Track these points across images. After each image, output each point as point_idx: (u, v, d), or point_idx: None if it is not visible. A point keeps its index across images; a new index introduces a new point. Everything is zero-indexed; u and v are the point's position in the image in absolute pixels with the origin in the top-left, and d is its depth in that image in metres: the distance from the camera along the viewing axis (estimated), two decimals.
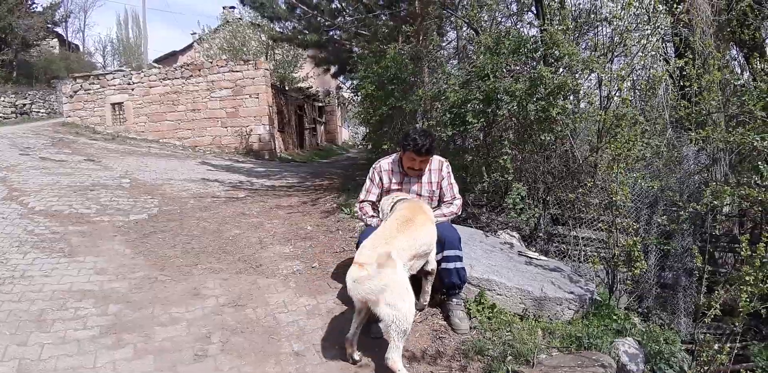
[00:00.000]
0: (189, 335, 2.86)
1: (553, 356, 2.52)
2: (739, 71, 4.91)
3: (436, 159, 3.24)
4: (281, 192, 7.70)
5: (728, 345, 2.75)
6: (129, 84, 15.45)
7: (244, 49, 18.72)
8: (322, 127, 24.63)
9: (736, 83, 4.13)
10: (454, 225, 3.13)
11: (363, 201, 3.29)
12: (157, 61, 23.17)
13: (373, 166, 3.33)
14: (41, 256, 4.03)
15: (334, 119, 26.34)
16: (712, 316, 2.80)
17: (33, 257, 3.97)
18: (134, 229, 4.99)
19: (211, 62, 15.31)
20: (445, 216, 3.12)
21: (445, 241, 2.90)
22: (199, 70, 15.01)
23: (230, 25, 19.79)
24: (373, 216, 3.16)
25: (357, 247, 2.97)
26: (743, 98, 3.06)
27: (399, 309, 2.26)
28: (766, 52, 4.88)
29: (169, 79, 15.16)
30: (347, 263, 3.94)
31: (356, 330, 2.57)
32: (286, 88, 18.80)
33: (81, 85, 15.77)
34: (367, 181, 3.31)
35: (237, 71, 14.82)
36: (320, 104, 23.91)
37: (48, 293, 3.34)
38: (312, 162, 16.27)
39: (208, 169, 10.34)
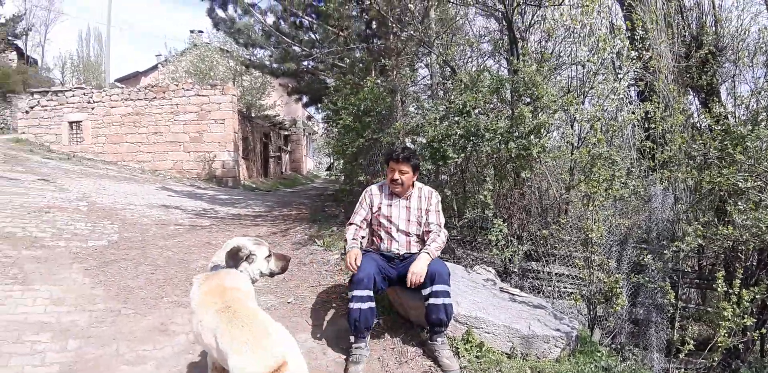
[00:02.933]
0: None
1: None
2: (696, 115, 5.25)
3: (426, 188, 3.33)
4: (248, 221, 7.47)
5: None
6: (89, 103, 14.92)
7: (211, 73, 18.53)
8: (288, 155, 24.44)
9: (701, 125, 4.40)
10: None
11: (350, 223, 3.31)
12: (118, 80, 22.60)
13: (365, 190, 3.41)
14: None
15: (300, 148, 26.27)
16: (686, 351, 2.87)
17: None
18: (93, 256, 4.68)
19: (177, 85, 15.00)
20: (439, 250, 3.07)
21: (435, 275, 2.84)
22: (164, 93, 14.68)
23: (198, 48, 19.63)
24: (354, 239, 3.15)
25: (350, 282, 2.93)
26: (725, 142, 3.25)
27: None
28: (720, 97, 5.27)
29: (131, 99, 14.75)
30: (324, 299, 3.84)
31: None
32: (253, 115, 18.65)
33: (38, 101, 15.15)
34: (357, 204, 3.36)
35: (203, 95, 14.58)
36: (286, 133, 23.80)
37: (2, 323, 3.08)
38: (277, 191, 15.96)
39: (169, 195, 9.96)
